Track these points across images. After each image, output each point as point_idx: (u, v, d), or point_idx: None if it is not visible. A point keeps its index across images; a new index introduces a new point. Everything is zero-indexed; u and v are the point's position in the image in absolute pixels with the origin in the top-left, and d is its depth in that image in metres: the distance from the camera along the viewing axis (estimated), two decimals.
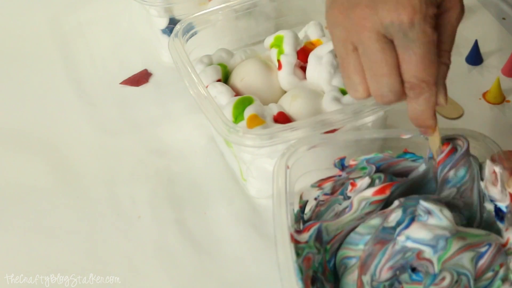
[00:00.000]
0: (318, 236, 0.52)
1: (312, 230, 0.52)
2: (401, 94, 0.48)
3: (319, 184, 0.57)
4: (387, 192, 0.53)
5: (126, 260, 0.62)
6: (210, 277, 0.60)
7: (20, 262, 0.62)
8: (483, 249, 0.50)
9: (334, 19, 0.49)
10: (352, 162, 0.56)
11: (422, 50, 0.46)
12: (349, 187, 0.54)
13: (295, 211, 0.54)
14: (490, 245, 0.50)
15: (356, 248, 0.51)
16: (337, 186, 0.56)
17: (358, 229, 0.52)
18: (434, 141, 0.53)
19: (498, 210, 0.52)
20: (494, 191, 0.52)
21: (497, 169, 0.52)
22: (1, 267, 0.61)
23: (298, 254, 0.50)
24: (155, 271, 0.61)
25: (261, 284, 0.59)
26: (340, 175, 0.56)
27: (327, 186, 0.56)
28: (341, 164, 0.56)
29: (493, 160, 0.53)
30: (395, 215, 0.50)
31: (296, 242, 0.50)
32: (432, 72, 0.47)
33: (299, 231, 0.51)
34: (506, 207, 0.51)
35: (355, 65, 0.48)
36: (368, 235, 0.51)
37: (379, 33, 0.46)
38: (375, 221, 0.52)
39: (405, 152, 0.56)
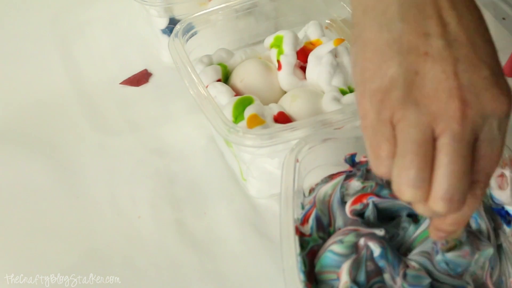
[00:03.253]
0: (318, 224, 0.52)
1: (311, 220, 0.52)
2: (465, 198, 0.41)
3: None
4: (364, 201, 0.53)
5: (126, 260, 0.62)
6: (210, 277, 0.60)
7: (20, 262, 0.62)
8: None
9: (411, 99, 0.40)
10: (363, 159, 0.56)
11: (502, 143, 0.41)
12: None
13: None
14: None
15: (338, 271, 0.49)
16: None
17: (336, 249, 0.50)
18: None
19: (506, 213, 0.52)
20: (502, 195, 0.52)
21: (507, 172, 0.52)
22: (1, 267, 0.61)
23: (302, 247, 0.50)
24: (155, 271, 0.61)
25: (261, 284, 0.59)
26: (350, 171, 0.56)
27: None
28: (352, 160, 0.56)
29: (503, 164, 0.53)
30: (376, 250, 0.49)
31: (301, 234, 0.50)
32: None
33: (302, 223, 0.51)
34: None
35: (428, 156, 0.40)
36: (349, 256, 0.49)
37: (475, 124, 0.40)
38: (350, 237, 0.50)
39: None
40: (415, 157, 0.40)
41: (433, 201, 0.40)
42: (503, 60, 0.76)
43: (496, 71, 0.41)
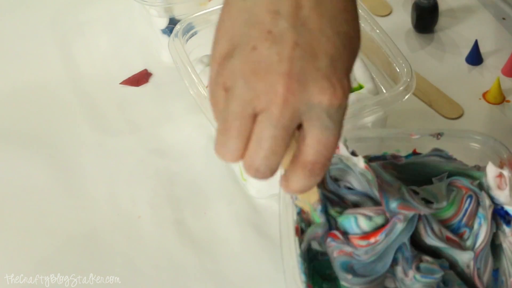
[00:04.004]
0: None
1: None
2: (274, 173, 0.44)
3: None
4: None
5: (126, 260, 0.62)
6: (210, 277, 0.60)
7: (20, 262, 0.62)
8: None
9: (242, 73, 0.41)
10: None
11: (338, 131, 0.43)
12: None
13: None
14: None
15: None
16: None
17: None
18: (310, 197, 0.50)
19: (505, 213, 0.52)
20: (501, 195, 0.52)
21: (506, 172, 0.52)
22: (1, 267, 0.61)
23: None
24: (155, 271, 0.61)
25: (261, 284, 0.59)
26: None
27: None
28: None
29: (502, 164, 0.53)
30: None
31: (301, 235, 0.50)
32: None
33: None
34: None
35: (245, 130, 0.41)
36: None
37: (296, 111, 0.41)
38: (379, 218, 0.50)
39: (414, 153, 0.56)
40: (230, 128, 0.41)
41: (243, 167, 0.43)
42: (503, 60, 0.77)
43: (336, 65, 0.41)
